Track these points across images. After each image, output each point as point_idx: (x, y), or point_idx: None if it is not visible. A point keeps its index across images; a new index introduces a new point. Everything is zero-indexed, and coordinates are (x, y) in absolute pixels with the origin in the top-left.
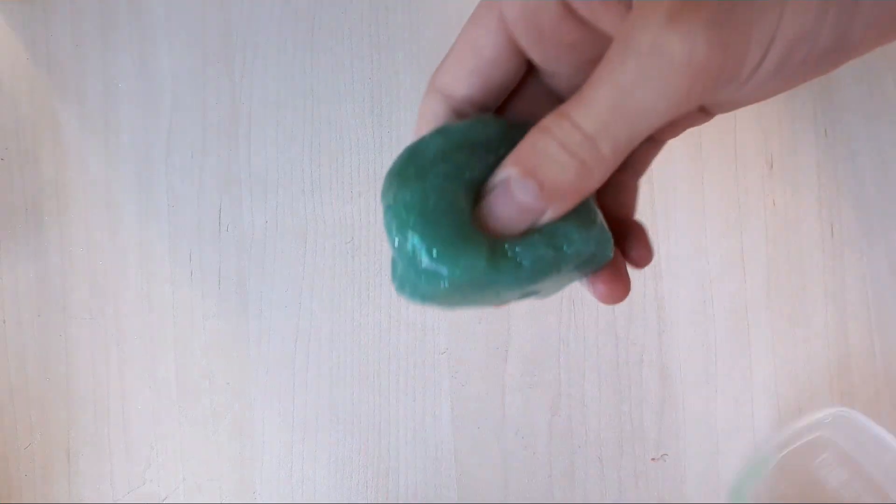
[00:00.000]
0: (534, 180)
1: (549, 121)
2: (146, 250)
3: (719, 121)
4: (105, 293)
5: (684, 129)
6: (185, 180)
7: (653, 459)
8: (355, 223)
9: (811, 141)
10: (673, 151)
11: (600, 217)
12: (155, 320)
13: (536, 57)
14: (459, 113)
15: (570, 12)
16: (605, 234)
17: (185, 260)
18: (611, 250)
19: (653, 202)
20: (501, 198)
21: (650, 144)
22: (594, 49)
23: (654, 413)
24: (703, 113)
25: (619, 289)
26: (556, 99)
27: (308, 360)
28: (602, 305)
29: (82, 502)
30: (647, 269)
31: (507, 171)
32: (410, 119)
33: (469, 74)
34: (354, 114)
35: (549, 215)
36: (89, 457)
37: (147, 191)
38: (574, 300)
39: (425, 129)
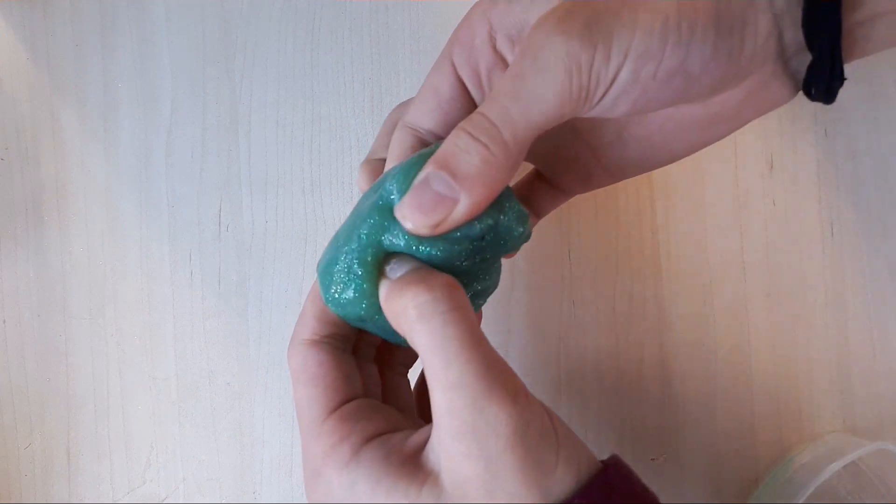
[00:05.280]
0: (446, 170)
1: (463, 120)
2: (146, 250)
3: None
4: (105, 293)
5: (584, 181)
6: (185, 180)
7: (653, 459)
8: None
9: (811, 141)
10: None
11: (512, 200)
12: (155, 320)
13: (476, 96)
14: (424, 143)
15: (500, 58)
16: (522, 213)
17: (185, 260)
18: (528, 226)
19: (653, 202)
20: (418, 192)
21: (557, 192)
22: None
23: (654, 413)
24: (593, 158)
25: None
26: None
27: None
28: (602, 305)
29: (82, 502)
30: (646, 268)
31: (425, 171)
32: None
33: (431, 111)
34: (354, 114)
35: (463, 207)
36: (89, 457)
37: (147, 191)
38: (574, 300)
39: (398, 155)
